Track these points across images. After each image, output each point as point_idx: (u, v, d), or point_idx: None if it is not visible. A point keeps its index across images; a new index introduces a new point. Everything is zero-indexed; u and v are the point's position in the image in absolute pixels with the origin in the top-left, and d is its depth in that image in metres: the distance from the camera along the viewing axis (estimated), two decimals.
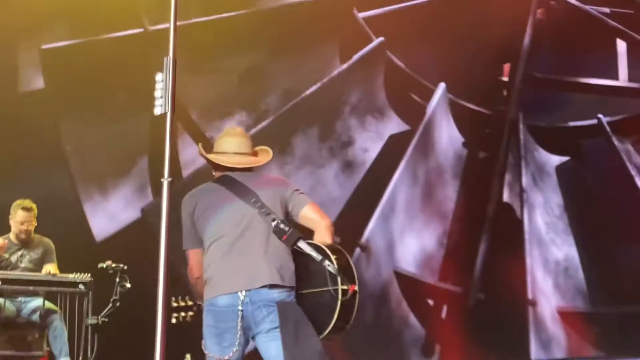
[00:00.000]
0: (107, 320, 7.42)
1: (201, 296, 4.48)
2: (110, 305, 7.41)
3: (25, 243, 7.94)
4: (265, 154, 4.69)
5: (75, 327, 7.66)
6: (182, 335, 4.65)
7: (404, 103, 10.18)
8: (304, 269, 4.35)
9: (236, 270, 4.32)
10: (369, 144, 10.09)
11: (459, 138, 10.08)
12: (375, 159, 10.04)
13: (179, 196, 4.37)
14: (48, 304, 7.73)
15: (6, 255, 7.86)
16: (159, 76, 3.66)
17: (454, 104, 10.10)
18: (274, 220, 4.37)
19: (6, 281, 7.57)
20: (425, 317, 9.57)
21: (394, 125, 10.16)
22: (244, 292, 4.28)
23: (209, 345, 4.39)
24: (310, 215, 4.48)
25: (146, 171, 9.81)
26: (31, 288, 7.76)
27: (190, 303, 4.61)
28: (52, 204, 8.51)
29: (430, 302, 9.65)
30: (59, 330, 7.69)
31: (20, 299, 7.86)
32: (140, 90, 9.27)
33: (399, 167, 9.77)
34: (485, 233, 9.49)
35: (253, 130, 9.56)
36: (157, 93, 3.65)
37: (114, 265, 7.40)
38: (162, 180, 3.85)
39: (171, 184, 3.82)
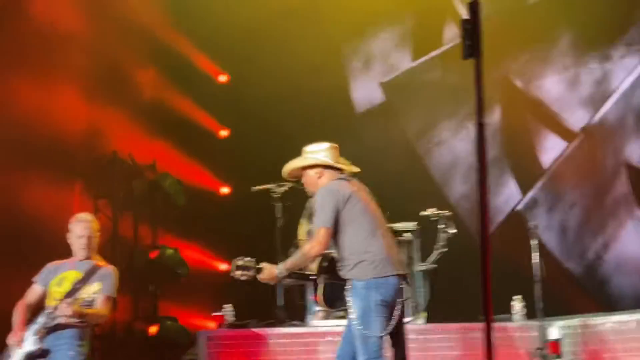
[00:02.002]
0: (436, 266, 7.47)
1: (302, 268, 5.43)
2: (436, 251, 7.45)
3: None
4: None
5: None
6: None
7: None
8: None
9: (395, 259, 5.38)
10: None
11: None
12: None
13: None
14: None
15: None
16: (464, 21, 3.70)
17: None
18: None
19: None
20: None
21: None
22: (402, 275, 5.36)
23: (374, 324, 5.17)
24: None
25: None
26: None
27: (251, 265, 5.37)
28: None
29: None
30: None
31: None
32: None
33: None
34: None
35: None
36: (465, 38, 3.58)
37: (436, 211, 7.42)
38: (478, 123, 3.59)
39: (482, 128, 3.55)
